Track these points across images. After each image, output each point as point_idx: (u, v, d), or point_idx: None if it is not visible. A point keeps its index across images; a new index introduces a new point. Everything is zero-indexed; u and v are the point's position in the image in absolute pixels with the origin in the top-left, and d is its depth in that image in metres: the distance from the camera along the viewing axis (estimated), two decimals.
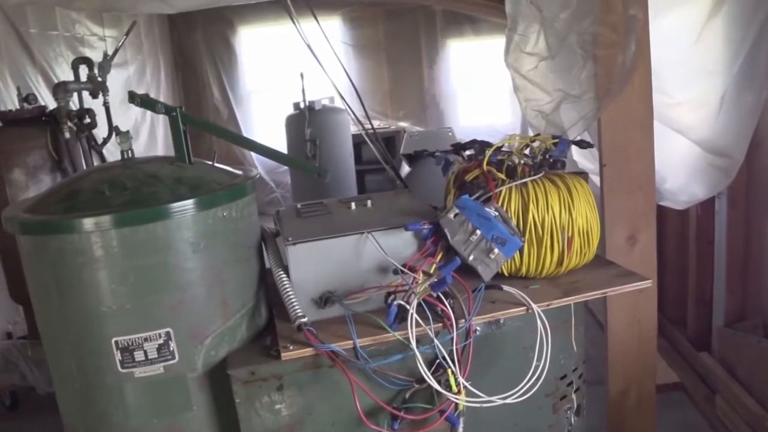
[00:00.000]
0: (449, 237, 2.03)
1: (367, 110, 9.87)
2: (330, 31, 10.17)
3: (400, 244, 2.06)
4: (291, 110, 8.21)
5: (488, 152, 2.27)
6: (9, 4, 5.75)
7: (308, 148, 7.61)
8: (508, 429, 2.20)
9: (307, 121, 7.65)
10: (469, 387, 1.92)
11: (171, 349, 1.89)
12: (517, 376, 2.01)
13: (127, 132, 2.10)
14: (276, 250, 2.18)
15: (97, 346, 1.89)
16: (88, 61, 5.40)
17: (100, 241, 1.81)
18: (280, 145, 8.43)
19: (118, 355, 1.88)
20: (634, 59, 2.70)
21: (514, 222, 2.12)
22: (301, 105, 7.85)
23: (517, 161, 2.32)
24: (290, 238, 2.01)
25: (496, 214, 2.05)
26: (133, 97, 2.09)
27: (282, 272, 2.03)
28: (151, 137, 9.15)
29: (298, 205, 2.48)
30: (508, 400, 1.96)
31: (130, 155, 2.11)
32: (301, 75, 7.56)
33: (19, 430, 5.15)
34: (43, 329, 2.06)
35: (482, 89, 10.35)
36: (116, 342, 1.87)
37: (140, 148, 8.47)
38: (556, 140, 2.32)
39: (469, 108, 10.62)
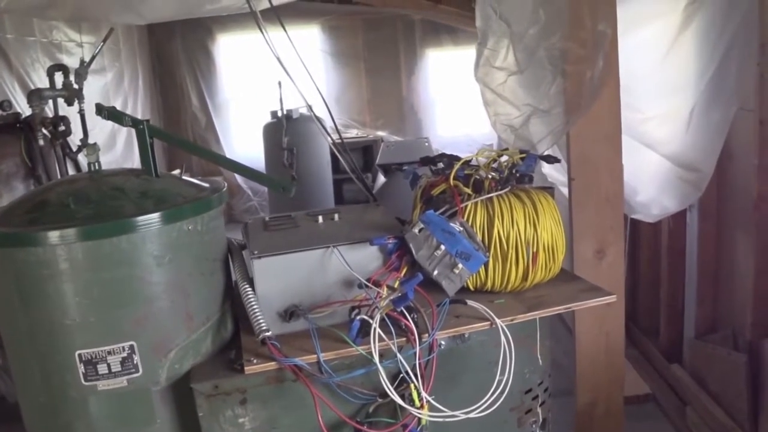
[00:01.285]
0: (414, 252, 2.04)
1: (345, 119, 9.92)
2: (309, 40, 10.26)
3: (365, 258, 2.07)
4: (269, 119, 8.22)
5: (455, 167, 2.28)
6: None
7: (285, 156, 7.60)
8: None
9: (285, 130, 7.65)
10: (432, 402, 1.93)
11: (135, 362, 1.89)
12: (482, 391, 2.02)
13: (95, 144, 2.10)
14: (242, 263, 2.18)
15: (61, 358, 1.88)
16: (63, 68, 5.39)
17: (65, 254, 1.80)
18: (258, 153, 8.43)
19: (81, 368, 1.88)
20: (602, 74, 2.73)
21: (479, 237, 2.13)
22: (279, 113, 7.86)
23: (484, 176, 2.33)
24: (256, 252, 2.01)
25: (461, 229, 2.06)
26: (100, 110, 2.10)
27: (247, 285, 2.03)
28: (127, 146, 9.11)
29: (266, 218, 2.48)
30: (472, 415, 1.97)
31: (97, 167, 2.11)
32: (279, 83, 7.57)
33: None
34: (8, 341, 2.05)
35: (460, 99, 10.37)
36: (80, 355, 1.87)
37: (116, 157, 8.43)
38: (524, 155, 2.34)
39: (447, 117, 10.67)
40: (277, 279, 2.02)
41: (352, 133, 10.07)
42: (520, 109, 2.85)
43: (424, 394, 1.92)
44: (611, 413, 3.29)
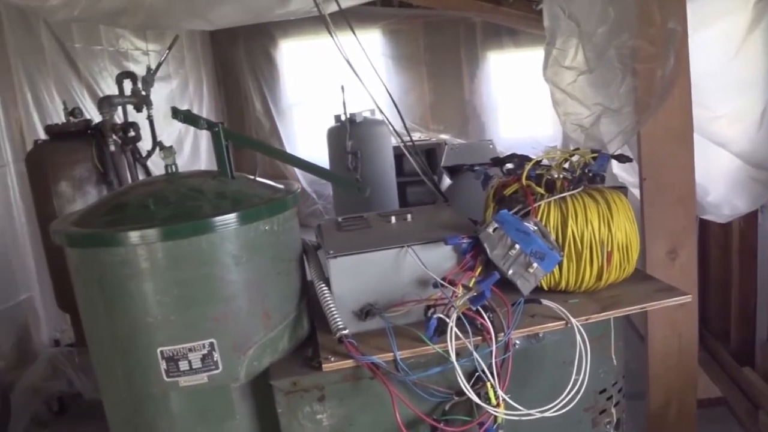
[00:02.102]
0: (488, 251, 2.04)
1: (407, 123, 9.94)
2: (370, 44, 10.30)
3: (439, 257, 2.08)
4: (332, 123, 8.28)
5: (527, 167, 2.28)
6: (55, 20, 5.90)
7: (349, 160, 7.66)
8: None
9: (348, 134, 7.70)
10: (508, 400, 1.94)
11: (215, 359, 1.94)
12: (555, 390, 2.02)
13: (171, 147, 2.16)
14: (317, 262, 2.21)
15: (143, 356, 1.94)
16: (132, 76, 5.52)
17: (146, 254, 1.85)
18: (322, 157, 8.50)
19: (163, 365, 1.93)
20: (673, 72, 2.70)
21: (553, 236, 2.13)
22: (342, 117, 7.91)
23: (556, 175, 2.33)
24: (331, 251, 2.04)
25: (535, 228, 2.06)
26: (176, 113, 2.15)
27: (323, 285, 2.06)
28: (194, 150, 9.29)
29: (339, 219, 2.51)
30: (547, 414, 1.97)
31: (173, 170, 2.16)
32: (342, 88, 7.63)
33: None
34: (91, 340, 2.11)
35: (523, 101, 10.34)
36: (161, 352, 1.92)
37: (184, 162, 8.59)
38: (595, 154, 2.33)
39: (509, 120, 10.62)
40: (352, 278, 2.05)
41: (415, 137, 10.10)
42: (590, 108, 2.83)
43: (500, 393, 1.92)
44: (683, 416, 3.24)
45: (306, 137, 10.46)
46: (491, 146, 7.16)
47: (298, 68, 10.65)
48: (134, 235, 1.84)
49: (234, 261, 1.92)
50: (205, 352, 1.93)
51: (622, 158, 2.48)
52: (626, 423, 2.40)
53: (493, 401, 1.93)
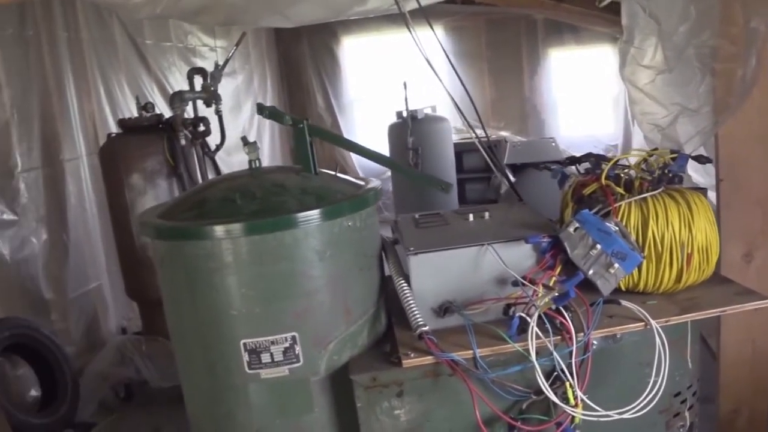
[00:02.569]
0: (569, 251, 2.04)
1: (468, 120, 9.92)
2: (432, 41, 10.28)
3: (518, 256, 2.09)
4: (393, 119, 8.30)
5: (606, 167, 2.27)
6: (138, 17, 6.01)
7: (410, 156, 7.67)
8: None
9: (410, 130, 7.71)
10: (587, 400, 1.93)
11: (296, 352, 1.97)
12: (630, 392, 2.02)
13: (255, 142, 2.20)
14: (396, 259, 2.23)
15: (226, 347, 1.98)
16: (202, 71, 5.62)
17: (232, 248, 1.90)
18: (383, 153, 8.51)
19: (245, 357, 1.97)
20: (754, 73, 2.65)
21: (633, 237, 2.12)
22: (404, 114, 7.92)
23: (634, 175, 2.32)
24: (411, 248, 2.06)
25: (616, 229, 2.05)
26: (261, 109, 2.19)
27: (403, 281, 2.08)
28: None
29: (416, 215, 2.53)
30: (626, 415, 1.97)
31: (257, 165, 2.20)
32: (405, 84, 7.65)
33: (132, 421, 5.36)
34: (173, 330, 2.17)
35: (583, 99, 10.23)
36: (244, 344, 1.96)
37: (245, 158, 8.69)
38: (675, 155, 2.31)
39: (569, 118, 10.51)
40: (432, 275, 2.06)
41: (476, 133, 10.06)
42: (668, 108, 2.80)
43: (579, 393, 1.92)
44: (754, 424, 3.18)
45: (367, 133, 10.48)
46: (554, 144, 7.11)
47: (360, 64, 10.69)
48: (221, 229, 1.89)
49: (318, 256, 1.95)
50: (287, 345, 1.96)
51: (701, 159, 2.45)
52: (698, 427, 2.38)
53: (572, 401, 1.93)
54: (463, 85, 3.07)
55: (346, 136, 10.40)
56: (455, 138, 8.60)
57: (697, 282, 2.26)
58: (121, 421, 5.42)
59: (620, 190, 2.23)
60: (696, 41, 2.68)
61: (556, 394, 1.92)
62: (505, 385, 1.95)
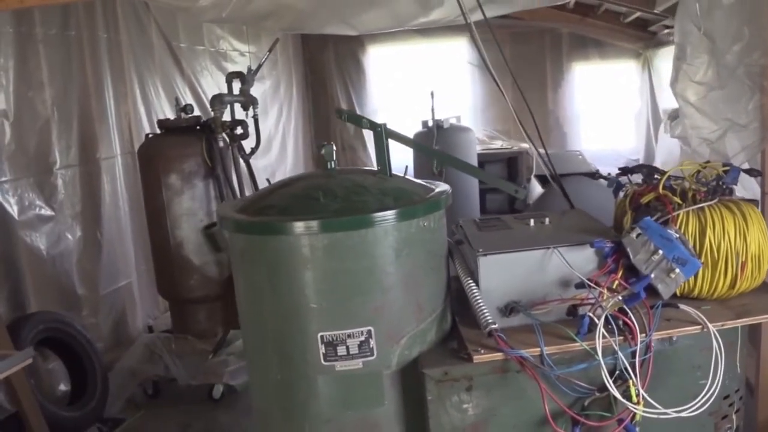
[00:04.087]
0: (631, 255, 2.13)
1: (491, 130, 10.01)
2: (456, 52, 10.38)
3: (582, 260, 2.18)
4: (417, 128, 8.39)
5: (665, 176, 2.37)
6: (203, 20, 6.10)
7: (434, 164, 7.74)
8: None
9: (435, 139, 7.79)
10: (648, 398, 2.02)
11: (371, 346, 2.06)
12: (684, 394, 2.11)
13: (331, 144, 2.29)
14: (462, 259, 2.32)
15: (303, 339, 2.08)
16: (240, 75, 5.72)
17: (316, 244, 1.99)
18: (407, 161, 8.60)
19: (322, 349, 2.06)
20: None
21: (691, 244, 2.20)
22: (430, 123, 8.01)
23: (687, 186, 2.41)
24: (480, 249, 2.15)
25: (677, 236, 2.14)
26: (340, 113, 2.28)
27: (471, 281, 2.17)
28: (281, 151, 9.49)
29: (476, 219, 2.62)
30: (683, 414, 2.05)
31: (333, 166, 2.29)
32: (432, 93, 7.74)
33: (161, 418, 5.43)
34: (247, 322, 2.26)
35: (606, 113, 10.30)
36: (322, 336, 2.05)
37: (272, 161, 8.78)
38: (727, 167, 2.40)
39: (591, 131, 10.57)
40: (499, 276, 2.16)
41: (497, 144, 10.15)
42: (718, 123, 2.89)
43: (641, 391, 2.01)
44: None
45: (391, 142, 10.55)
46: (580, 156, 7.19)
47: (385, 73, 10.78)
48: (307, 225, 1.98)
49: (395, 254, 2.05)
50: (362, 339, 2.05)
51: (752, 172, 2.54)
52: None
53: (634, 398, 2.02)
54: (524, 98, 3.11)
55: (369, 144, 10.51)
56: (478, 149, 8.68)
57: (748, 289, 2.34)
58: (150, 418, 5.49)
59: (677, 199, 2.32)
60: (747, 60, 2.77)
61: (618, 391, 2.01)
62: (570, 382, 2.04)
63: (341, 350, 2.06)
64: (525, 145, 10.03)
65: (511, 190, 2.38)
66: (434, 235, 2.17)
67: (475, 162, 8.21)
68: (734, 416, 2.37)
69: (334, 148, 2.28)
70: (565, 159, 7.17)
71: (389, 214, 2.01)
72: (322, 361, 2.07)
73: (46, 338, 4.91)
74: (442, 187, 2.32)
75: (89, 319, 5.75)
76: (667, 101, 8.38)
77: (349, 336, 2.05)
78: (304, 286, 2.03)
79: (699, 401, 2.08)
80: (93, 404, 5.17)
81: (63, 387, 5.17)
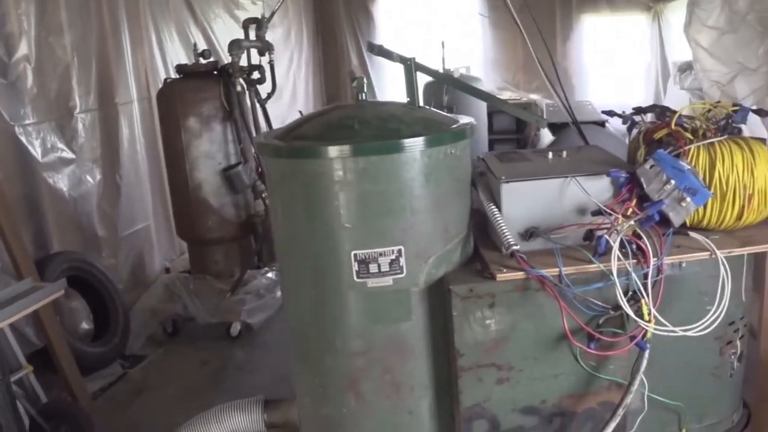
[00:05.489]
0: (644, 185, 2.26)
1: (500, 81, 10.05)
2: (466, 3, 10.40)
3: (598, 189, 2.31)
4: (427, 78, 8.45)
5: (676, 114, 2.49)
6: None
7: (444, 100, 7.83)
8: (679, 366, 2.44)
9: (445, 89, 7.86)
10: (659, 317, 2.17)
11: (401, 264, 2.21)
12: (690, 318, 2.25)
13: (362, 77, 2.41)
14: (485, 188, 2.46)
15: (337, 257, 2.22)
16: (257, 21, 5.82)
17: (351, 167, 2.13)
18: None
19: (355, 266, 2.21)
20: None
21: (701, 177, 2.33)
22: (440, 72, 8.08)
23: (698, 124, 2.53)
24: (503, 177, 2.29)
25: (689, 167, 2.27)
26: (371, 47, 2.40)
27: (494, 206, 2.31)
28: (292, 99, 9.58)
29: (497, 153, 2.76)
30: (689, 333, 2.20)
31: (364, 97, 2.42)
32: (443, 43, 7.82)
33: (180, 354, 5.61)
34: (283, 244, 2.41)
35: (614, 66, 10.32)
36: (355, 255, 2.20)
37: (283, 108, 8.86)
38: (737, 107, 2.52)
39: (599, 84, 10.59)
40: (520, 202, 2.30)
41: (506, 96, 10.22)
42: (729, 66, 3.00)
43: (653, 310, 2.16)
44: None
45: (399, 91, 10.60)
46: (590, 106, 7.28)
47: (395, 23, 10.80)
48: (340, 150, 2.12)
49: (424, 178, 2.19)
50: (393, 257, 2.20)
51: (761, 112, 2.66)
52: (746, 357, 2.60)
53: (646, 317, 2.16)
54: (546, 46, 3.22)
55: (378, 93, 10.57)
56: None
57: (754, 222, 2.47)
58: (170, 355, 5.67)
59: (689, 135, 2.45)
60: (758, 6, 2.87)
61: (632, 310, 2.16)
62: (586, 300, 2.18)
63: (373, 268, 2.20)
64: (534, 96, 10.10)
65: (532, 119, 2.51)
66: (460, 162, 2.30)
67: (484, 110, 8.30)
68: (738, 342, 2.52)
69: (365, 81, 2.40)
70: (575, 108, 7.25)
71: (419, 141, 2.14)
72: (355, 278, 2.22)
73: (69, 277, 5.04)
74: (467, 119, 2.45)
75: (109, 260, 5.91)
76: (677, 54, 8.44)
77: (380, 255, 2.19)
78: (339, 207, 2.17)
79: (705, 322, 2.22)
80: (115, 341, 5.36)
81: (85, 325, 5.34)
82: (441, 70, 8.06)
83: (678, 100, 7.66)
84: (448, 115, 2.49)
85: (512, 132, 9.10)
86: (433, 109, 2.51)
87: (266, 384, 4.74)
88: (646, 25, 10.01)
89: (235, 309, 5.64)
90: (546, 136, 6.93)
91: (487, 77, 10.12)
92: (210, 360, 5.46)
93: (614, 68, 10.29)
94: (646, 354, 2.20)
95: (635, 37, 10.09)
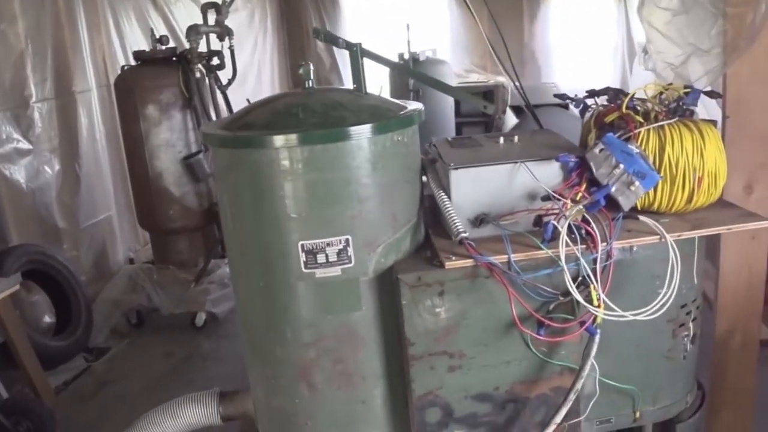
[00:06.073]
0: (594, 169, 2.25)
1: (467, 64, 10.01)
2: None
3: (548, 174, 2.30)
4: (394, 60, 8.41)
5: (627, 98, 2.48)
6: None
7: (411, 97, 7.82)
8: (631, 350, 2.44)
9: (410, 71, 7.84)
10: (608, 302, 2.16)
11: (348, 254, 2.19)
12: (643, 301, 2.24)
13: (309, 64, 2.38)
14: (435, 175, 2.44)
15: (284, 248, 2.19)
16: (215, 6, 5.75)
17: (296, 156, 2.10)
18: (383, 94, 8.64)
19: (303, 257, 2.18)
20: (763, 17, 2.83)
21: (651, 160, 2.33)
22: (406, 56, 8.05)
23: (650, 107, 2.52)
24: (452, 164, 2.26)
25: (638, 151, 2.26)
26: (317, 33, 2.37)
27: (443, 193, 2.29)
28: (257, 83, 9.51)
29: (449, 138, 2.73)
30: (639, 317, 2.20)
31: (310, 85, 2.39)
32: (407, 26, 7.78)
33: (145, 345, 5.58)
34: (231, 235, 2.37)
35: (581, 49, 10.32)
36: (302, 245, 2.17)
37: (249, 92, 8.78)
38: (688, 89, 2.52)
39: (566, 67, 10.60)
40: (470, 189, 2.28)
41: (473, 78, 10.21)
42: (682, 48, 2.97)
43: (602, 295, 2.15)
44: (747, 345, 3.41)
45: (367, 74, 10.54)
46: (555, 88, 7.30)
47: (360, 5, 10.74)
48: (289, 138, 2.08)
49: (371, 166, 2.16)
50: (341, 247, 2.17)
51: (712, 94, 2.66)
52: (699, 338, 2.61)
53: (595, 302, 2.15)
54: (500, 33, 3.16)
55: (344, 77, 10.52)
56: (455, 82, 8.74)
57: (705, 204, 2.47)
58: (134, 346, 5.65)
59: (639, 118, 2.44)
60: None
61: (581, 295, 2.15)
62: (535, 286, 2.17)
63: (321, 258, 2.17)
64: (501, 79, 10.08)
65: (480, 105, 2.48)
66: (408, 149, 2.28)
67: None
68: (691, 324, 2.52)
69: (312, 67, 2.36)
70: (540, 90, 7.28)
71: (365, 128, 2.11)
72: (303, 268, 2.19)
73: (29, 271, 4.99)
74: (415, 105, 2.42)
75: (70, 252, 5.86)
76: (643, 34, 8.44)
77: (328, 244, 2.16)
78: (284, 197, 2.13)
79: (655, 306, 2.21)
80: (78, 334, 5.31)
81: (47, 319, 5.29)
82: (407, 53, 8.04)
83: (644, 80, 7.67)
84: (397, 101, 2.46)
85: (479, 115, 9.09)
86: (380, 95, 2.47)
87: (232, 373, 4.73)
88: (612, 5, 10.02)
89: (199, 299, 5.62)
90: (510, 119, 6.93)
91: (455, 59, 10.09)
92: (175, 351, 5.44)
93: (582, 49, 10.29)
94: (597, 339, 2.19)
95: (602, 17, 10.09)
